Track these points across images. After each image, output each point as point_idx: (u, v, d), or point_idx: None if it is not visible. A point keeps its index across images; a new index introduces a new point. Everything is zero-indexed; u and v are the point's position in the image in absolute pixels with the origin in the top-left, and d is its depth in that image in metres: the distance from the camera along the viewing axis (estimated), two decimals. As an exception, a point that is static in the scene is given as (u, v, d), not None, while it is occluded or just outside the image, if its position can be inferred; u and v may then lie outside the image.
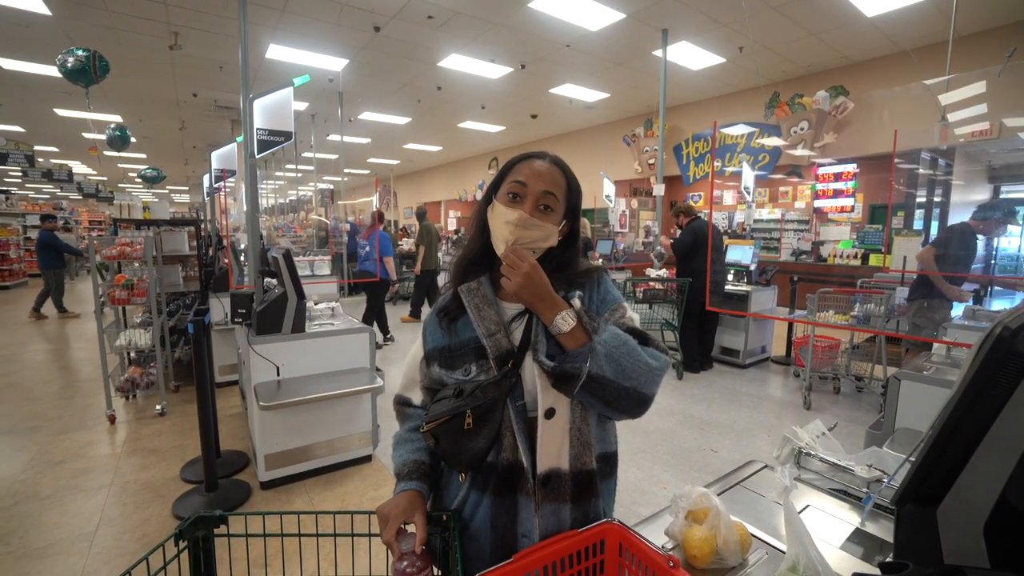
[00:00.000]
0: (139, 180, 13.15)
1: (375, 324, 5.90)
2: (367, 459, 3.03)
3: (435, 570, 0.86)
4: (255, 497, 2.65)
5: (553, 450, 0.86)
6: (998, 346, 0.56)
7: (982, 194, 7.51)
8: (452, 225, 16.90)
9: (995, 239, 4.91)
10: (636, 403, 0.84)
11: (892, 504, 0.69)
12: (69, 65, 4.79)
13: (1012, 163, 7.07)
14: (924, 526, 0.66)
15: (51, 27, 5.67)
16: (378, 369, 3.04)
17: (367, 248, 5.87)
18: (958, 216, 6.62)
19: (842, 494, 1.15)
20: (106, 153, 10.18)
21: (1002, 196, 7.47)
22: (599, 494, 0.91)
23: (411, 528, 0.84)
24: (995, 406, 0.58)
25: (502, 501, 0.85)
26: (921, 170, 6.81)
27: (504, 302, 0.92)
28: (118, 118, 9.59)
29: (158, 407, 3.74)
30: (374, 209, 6.34)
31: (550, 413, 0.85)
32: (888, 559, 0.70)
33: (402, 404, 1.02)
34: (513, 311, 0.91)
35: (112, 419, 3.57)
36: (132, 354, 4.27)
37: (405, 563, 0.80)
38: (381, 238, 5.60)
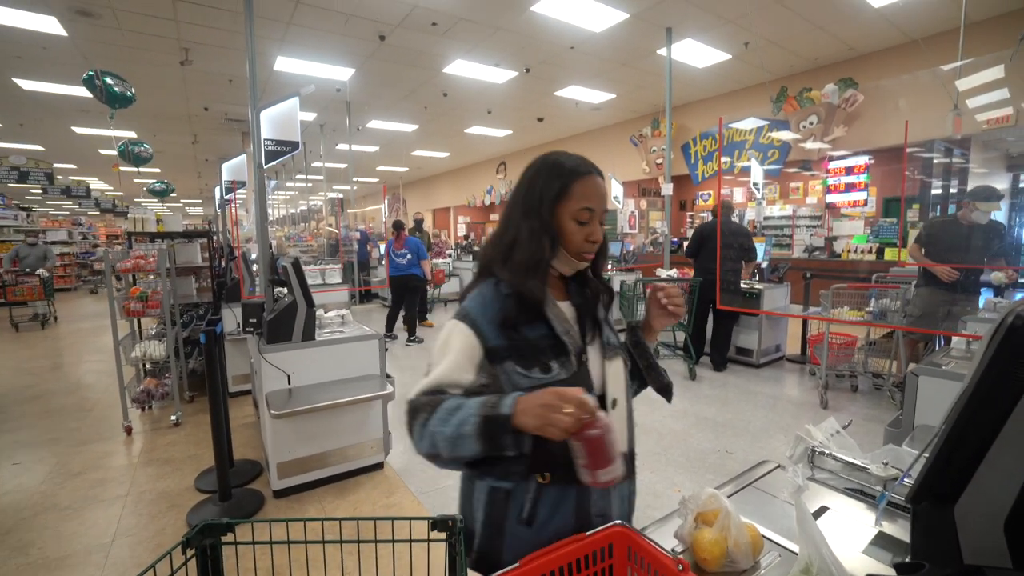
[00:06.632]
0: (151, 194, 13.40)
1: (404, 323, 6.49)
2: (379, 466, 3.03)
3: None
4: (268, 506, 2.67)
5: (621, 436, 0.94)
6: (1011, 336, 0.53)
7: (1001, 183, 7.34)
8: (461, 231, 16.93)
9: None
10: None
11: (907, 502, 0.67)
12: (116, 89, 5.09)
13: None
14: (941, 525, 0.63)
15: (68, 48, 5.82)
16: (389, 376, 3.05)
17: (407, 255, 6.29)
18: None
19: (858, 493, 1.12)
20: (123, 169, 10.40)
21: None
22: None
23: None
24: (1011, 398, 0.56)
25: (584, 488, 0.91)
26: (936, 160, 6.67)
27: (558, 302, 0.98)
28: (132, 134, 9.79)
29: (173, 417, 3.78)
30: (398, 218, 6.81)
31: (615, 403, 0.95)
32: (906, 559, 0.67)
33: (435, 393, 0.90)
34: (569, 313, 0.98)
35: (128, 430, 3.62)
36: (147, 365, 4.33)
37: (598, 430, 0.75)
38: (417, 243, 6.36)
